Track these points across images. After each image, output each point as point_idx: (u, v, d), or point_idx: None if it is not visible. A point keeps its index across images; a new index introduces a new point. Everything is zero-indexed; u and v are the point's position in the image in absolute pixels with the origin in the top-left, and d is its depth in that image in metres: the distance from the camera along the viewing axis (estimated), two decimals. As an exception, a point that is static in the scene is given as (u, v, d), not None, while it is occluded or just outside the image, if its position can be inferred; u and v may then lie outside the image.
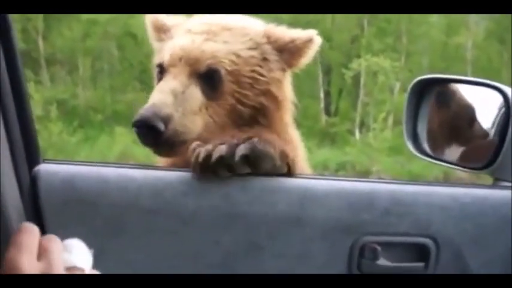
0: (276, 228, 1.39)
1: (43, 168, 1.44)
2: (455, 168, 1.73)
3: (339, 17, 22.04)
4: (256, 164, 1.36)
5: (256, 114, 1.53)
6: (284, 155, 1.42)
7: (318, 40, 1.57)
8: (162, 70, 1.54)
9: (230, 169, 1.35)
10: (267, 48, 1.55)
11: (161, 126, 1.38)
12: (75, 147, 14.77)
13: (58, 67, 21.23)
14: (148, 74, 1.86)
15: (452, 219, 1.45)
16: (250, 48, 1.53)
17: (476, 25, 22.58)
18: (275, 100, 1.55)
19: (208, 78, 1.48)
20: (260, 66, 1.53)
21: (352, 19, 22.00)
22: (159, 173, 1.43)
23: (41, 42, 19.80)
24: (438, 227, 1.45)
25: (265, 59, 1.54)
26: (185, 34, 1.56)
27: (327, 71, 22.07)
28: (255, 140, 1.36)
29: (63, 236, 1.42)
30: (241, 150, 1.33)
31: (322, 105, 21.17)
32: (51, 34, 20.62)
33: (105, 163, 1.50)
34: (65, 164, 1.48)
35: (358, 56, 20.16)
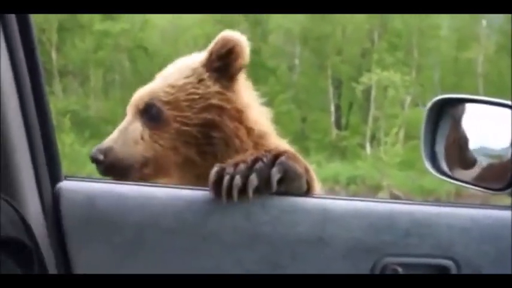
0: (297, 248, 1.39)
1: (65, 185, 1.45)
2: (475, 189, 1.72)
3: (350, 31, 22.11)
4: (287, 184, 1.39)
5: (206, 130, 1.66)
6: (307, 169, 1.44)
7: (229, 35, 1.68)
8: None
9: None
10: (201, 70, 1.70)
11: (100, 157, 1.67)
12: (87, 158, 14.78)
13: (70, 78, 21.42)
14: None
15: (473, 240, 1.44)
16: (185, 77, 1.70)
17: (487, 39, 22.54)
18: (221, 111, 1.67)
19: (147, 112, 1.70)
20: (196, 88, 1.69)
21: (362, 33, 22.05)
22: (180, 192, 1.43)
23: (54, 54, 20.00)
24: (459, 249, 1.44)
25: (200, 80, 1.70)
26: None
27: (338, 85, 22.09)
28: (283, 158, 1.38)
29: (85, 254, 1.43)
30: (276, 175, 1.36)
31: (332, 118, 21.16)
32: (65, 46, 20.83)
33: (127, 181, 1.51)
34: (86, 182, 1.49)
35: (369, 70, 20.16)
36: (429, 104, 1.84)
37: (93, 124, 18.31)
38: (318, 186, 1.52)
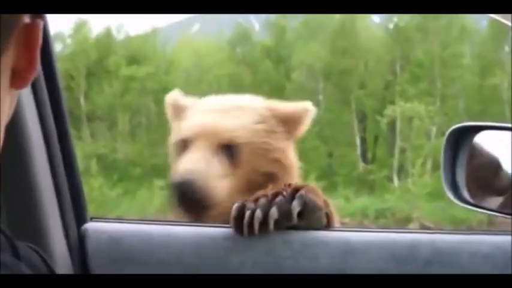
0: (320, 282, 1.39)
1: (91, 226, 1.49)
2: (500, 216, 1.70)
3: (372, 64, 22.17)
4: (307, 217, 1.42)
5: (266, 180, 1.67)
6: (326, 203, 1.46)
7: (312, 109, 1.79)
8: (185, 144, 1.71)
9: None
10: (273, 121, 1.75)
11: (196, 194, 1.58)
12: (115, 201, 14.98)
13: (98, 123, 21.83)
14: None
15: (498, 268, 1.43)
16: (258, 122, 1.73)
17: (510, 64, 22.29)
18: (283, 167, 1.73)
19: (228, 149, 1.68)
20: (269, 137, 1.73)
21: (384, 65, 22.09)
22: (202, 229, 1.46)
23: (82, 100, 20.46)
24: None
25: (272, 131, 1.74)
26: (202, 113, 1.77)
27: (362, 119, 22.02)
28: (303, 192, 1.41)
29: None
30: (296, 208, 1.39)
31: (358, 152, 21.04)
32: (92, 91, 21.32)
33: (150, 220, 1.54)
34: (111, 222, 1.53)
35: (393, 102, 20.09)
36: (447, 133, 1.83)
37: (121, 167, 18.54)
38: (337, 220, 1.54)
